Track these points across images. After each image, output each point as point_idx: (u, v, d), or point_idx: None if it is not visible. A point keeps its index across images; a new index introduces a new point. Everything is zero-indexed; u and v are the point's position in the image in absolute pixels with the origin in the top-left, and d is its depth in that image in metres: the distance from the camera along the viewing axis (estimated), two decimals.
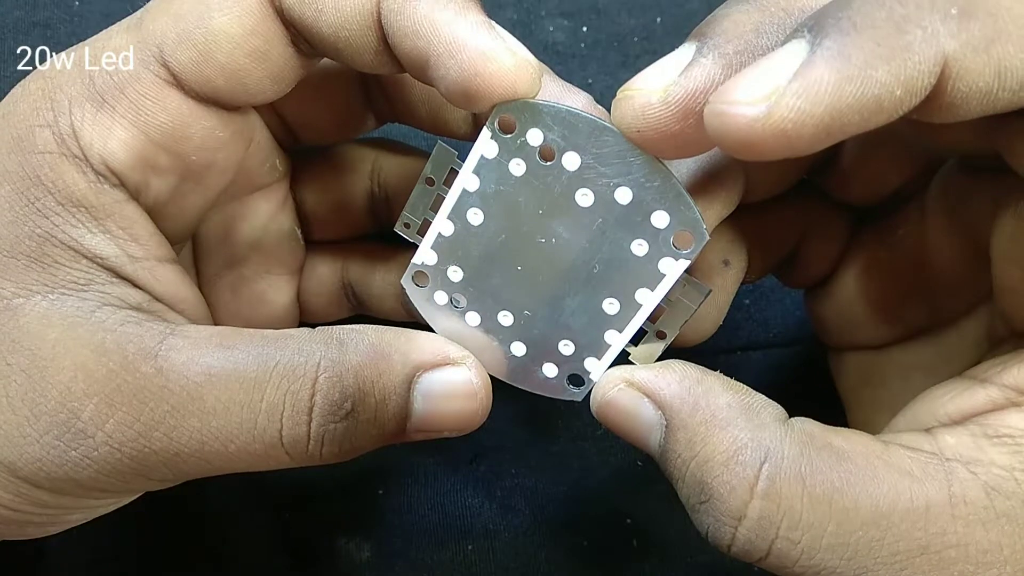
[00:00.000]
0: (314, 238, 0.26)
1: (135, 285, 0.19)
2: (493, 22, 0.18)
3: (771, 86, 0.14)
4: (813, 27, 0.14)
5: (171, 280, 0.20)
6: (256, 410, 0.17)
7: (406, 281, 0.20)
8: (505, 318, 0.20)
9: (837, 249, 0.23)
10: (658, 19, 0.32)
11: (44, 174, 0.18)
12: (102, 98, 0.18)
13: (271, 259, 0.24)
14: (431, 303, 0.20)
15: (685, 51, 0.16)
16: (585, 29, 0.32)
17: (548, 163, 0.18)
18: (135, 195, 0.19)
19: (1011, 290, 0.18)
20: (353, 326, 0.19)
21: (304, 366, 0.18)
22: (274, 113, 0.23)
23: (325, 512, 0.27)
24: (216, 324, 0.24)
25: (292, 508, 0.27)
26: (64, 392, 0.17)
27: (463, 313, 0.20)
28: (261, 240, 0.24)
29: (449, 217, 0.19)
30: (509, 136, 0.18)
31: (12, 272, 0.18)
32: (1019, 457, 0.15)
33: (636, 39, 0.32)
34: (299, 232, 0.25)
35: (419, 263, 0.20)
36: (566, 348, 0.19)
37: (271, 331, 0.18)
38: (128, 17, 0.20)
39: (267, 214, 0.24)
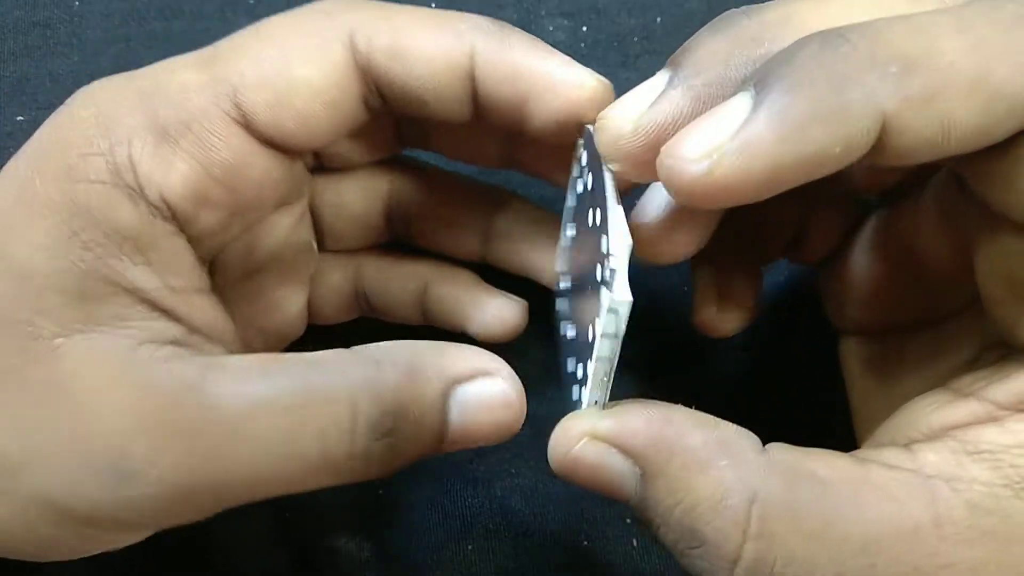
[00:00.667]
0: (328, 248, 0.26)
1: (173, 318, 0.19)
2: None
3: (714, 143, 0.14)
4: (759, 81, 0.14)
5: (208, 311, 0.20)
6: (302, 435, 0.17)
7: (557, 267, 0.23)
8: (569, 331, 0.21)
9: (842, 226, 0.23)
10: (658, 19, 0.32)
11: (92, 204, 0.18)
12: (165, 130, 0.19)
13: (287, 271, 0.25)
14: (557, 296, 0.23)
15: (659, 79, 0.17)
16: (585, 29, 0.32)
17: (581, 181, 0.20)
18: (182, 228, 0.19)
19: (994, 302, 0.18)
20: (387, 345, 0.19)
21: (346, 389, 0.18)
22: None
23: (326, 512, 0.27)
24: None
25: (293, 507, 0.27)
26: (112, 432, 0.17)
27: (561, 320, 0.22)
28: (279, 254, 0.24)
29: (570, 223, 0.21)
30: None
31: (52, 310, 0.18)
32: (999, 473, 0.15)
33: (636, 39, 0.32)
34: (314, 244, 0.25)
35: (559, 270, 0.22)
36: (579, 372, 0.19)
37: (308, 355, 0.19)
38: (188, 55, 0.20)
39: (287, 229, 0.24)
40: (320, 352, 0.19)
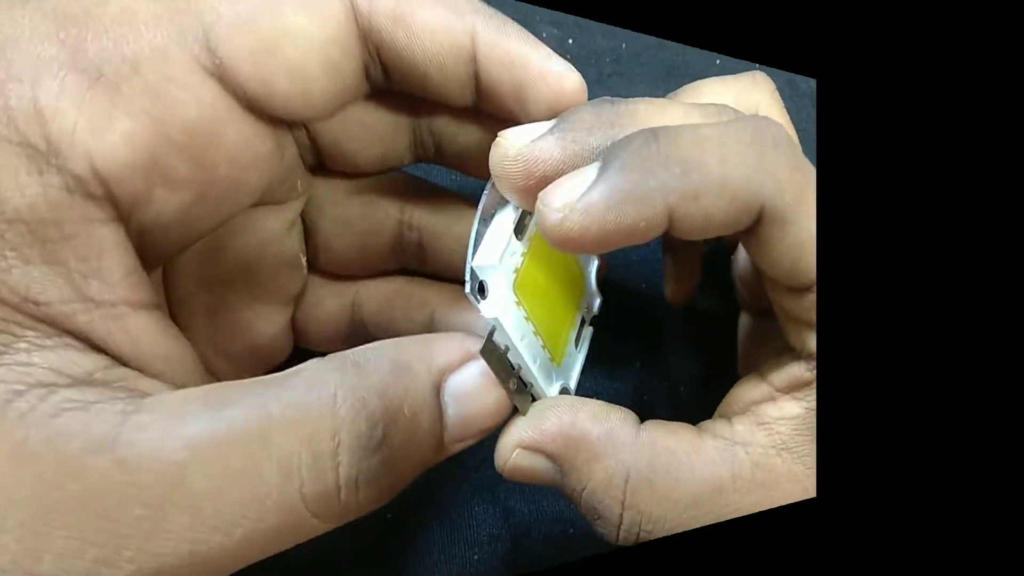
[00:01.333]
0: (321, 268, 0.22)
1: (89, 344, 0.14)
2: None
3: (568, 199, 0.16)
4: (604, 157, 0.17)
5: (146, 333, 0.15)
6: (262, 472, 0.14)
7: None
8: None
9: None
10: (623, 44, 0.34)
11: None
12: (99, 70, 0.14)
13: (263, 287, 0.21)
14: None
15: (547, 124, 0.19)
16: (571, 41, 0.33)
17: None
18: (123, 214, 0.15)
19: (778, 315, 0.21)
20: (368, 345, 0.16)
21: (318, 401, 0.14)
22: (304, 131, 0.20)
23: None
24: None
25: None
26: None
27: None
28: (255, 264, 0.20)
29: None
30: None
31: None
32: (773, 438, 0.19)
33: (608, 59, 0.33)
34: (304, 260, 0.21)
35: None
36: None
37: (269, 376, 0.15)
38: None
39: (269, 234, 0.20)
40: (287, 370, 0.15)
